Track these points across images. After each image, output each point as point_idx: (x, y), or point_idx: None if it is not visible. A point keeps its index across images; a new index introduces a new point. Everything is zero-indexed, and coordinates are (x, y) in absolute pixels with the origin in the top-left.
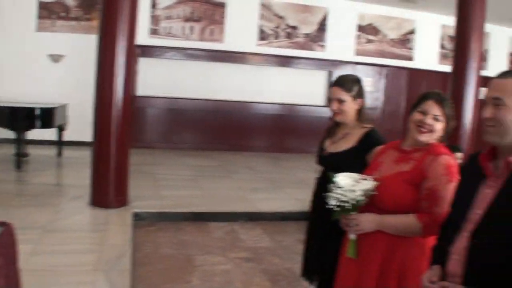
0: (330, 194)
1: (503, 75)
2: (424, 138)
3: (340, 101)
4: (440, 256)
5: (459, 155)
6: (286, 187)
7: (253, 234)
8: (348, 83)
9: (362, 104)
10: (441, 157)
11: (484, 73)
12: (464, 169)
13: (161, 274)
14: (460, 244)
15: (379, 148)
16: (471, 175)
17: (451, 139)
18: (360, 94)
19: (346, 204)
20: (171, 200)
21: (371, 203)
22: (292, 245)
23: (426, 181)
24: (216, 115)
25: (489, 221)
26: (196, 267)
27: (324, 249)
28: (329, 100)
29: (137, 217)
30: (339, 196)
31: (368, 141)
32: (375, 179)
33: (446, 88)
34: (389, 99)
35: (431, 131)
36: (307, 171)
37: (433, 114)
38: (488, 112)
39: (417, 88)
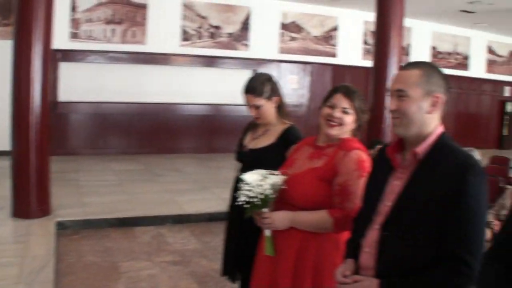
0: (239, 191)
1: (406, 66)
2: (334, 131)
3: (256, 107)
4: (353, 250)
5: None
6: (213, 187)
7: (180, 236)
8: (258, 87)
9: (279, 101)
10: (352, 152)
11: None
12: (375, 162)
13: (85, 283)
14: (371, 237)
15: (299, 143)
16: (381, 167)
17: (374, 133)
18: (274, 93)
19: (255, 200)
20: (95, 206)
21: (284, 201)
22: (219, 245)
23: (337, 177)
24: (142, 118)
25: (398, 212)
26: (121, 273)
27: (242, 247)
28: (248, 106)
29: (61, 226)
30: (247, 192)
31: (287, 138)
32: (286, 175)
33: (366, 84)
34: (314, 96)
35: (340, 124)
36: (234, 170)
37: (342, 107)
38: (393, 104)
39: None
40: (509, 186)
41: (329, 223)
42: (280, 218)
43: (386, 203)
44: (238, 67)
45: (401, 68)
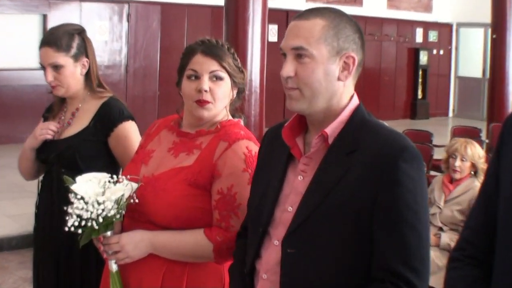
0: (68, 209)
1: (304, 15)
2: (207, 113)
3: (56, 67)
4: (242, 280)
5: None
6: None
7: None
8: (62, 39)
9: (90, 64)
10: (237, 144)
11: (272, 4)
12: (262, 148)
13: None
14: (270, 258)
15: (150, 126)
16: (274, 157)
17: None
18: (83, 51)
19: (94, 224)
20: None
21: (142, 217)
22: (16, 287)
23: (218, 181)
24: None
25: (305, 221)
26: None
27: None
28: (42, 68)
29: None
30: (80, 212)
31: (105, 116)
32: (140, 179)
33: (219, 29)
34: (136, 51)
35: (215, 100)
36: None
37: (209, 72)
38: (288, 69)
39: (177, 31)
40: (435, 173)
41: (207, 249)
42: (134, 242)
43: (287, 208)
44: (18, 12)
45: (297, 17)
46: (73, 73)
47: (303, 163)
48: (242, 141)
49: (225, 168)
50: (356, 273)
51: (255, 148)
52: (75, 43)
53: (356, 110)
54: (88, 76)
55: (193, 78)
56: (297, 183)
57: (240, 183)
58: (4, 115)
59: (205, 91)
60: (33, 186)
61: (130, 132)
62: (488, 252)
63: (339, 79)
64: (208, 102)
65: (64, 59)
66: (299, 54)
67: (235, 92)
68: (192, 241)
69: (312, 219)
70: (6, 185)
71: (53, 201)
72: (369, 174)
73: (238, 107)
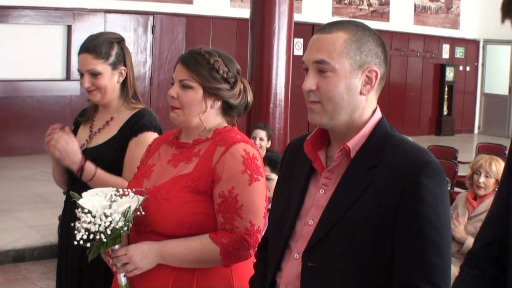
0: (77, 223)
1: (326, 28)
2: (175, 116)
3: (94, 74)
4: None
5: (263, 135)
6: (16, 210)
7: None
8: (102, 46)
9: (127, 73)
10: (234, 148)
11: (298, 17)
12: (285, 160)
13: None
14: (290, 271)
15: (151, 142)
16: (296, 170)
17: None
18: (121, 60)
19: (102, 236)
20: None
21: (147, 228)
22: None
23: (218, 185)
24: None
25: (326, 234)
26: None
27: None
28: (80, 75)
29: None
30: (88, 225)
31: (134, 123)
32: (144, 191)
33: (244, 41)
34: (162, 63)
35: (183, 106)
36: (47, 180)
37: (179, 81)
38: (310, 83)
39: (201, 44)
40: (459, 190)
41: (214, 253)
42: (142, 253)
43: (308, 222)
44: (43, 22)
45: (320, 30)
46: (110, 80)
47: (324, 177)
48: (239, 144)
49: (224, 171)
50: (376, 287)
51: (252, 150)
52: (114, 51)
53: (379, 124)
54: (124, 85)
55: (172, 83)
56: (318, 197)
57: (241, 185)
58: (28, 126)
59: (172, 97)
60: (56, 197)
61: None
62: (496, 265)
63: (361, 93)
64: (174, 107)
65: (102, 66)
66: (321, 68)
67: (217, 102)
68: (198, 246)
69: (333, 233)
70: (29, 196)
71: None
72: (391, 189)
73: (235, 118)
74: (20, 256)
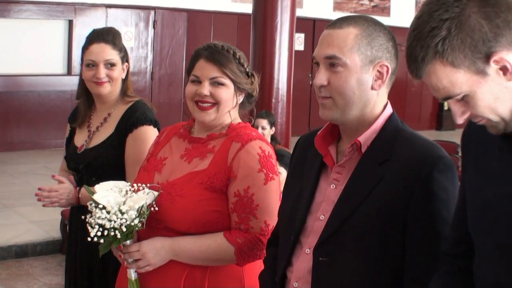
0: (89, 219)
1: (337, 23)
2: (209, 116)
3: (111, 65)
4: (272, 287)
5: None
6: (18, 206)
7: None
8: (117, 38)
9: (128, 70)
10: (250, 145)
11: (299, 13)
12: (295, 155)
13: None
14: (302, 266)
15: (159, 133)
16: (307, 164)
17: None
18: (126, 55)
19: (116, 233)
20: None
21: (159, 224)
22: None
23: (233, 183)
24: None
25: (337, 229)
26: None
27: None
28: (88, 65)
29: None
30: (102, 221)
31: (128, 118)
32: (160, 187)
33: (246, 36)
34: (163, 58)
35: (215, 103)
36: (49, 175)
37: (210, 79)
38: (321, 78)
39: (203, 39)
40: None
41: (229, 252)
42: (155, 250)
43: (319, 217)
44: (44, 17)
45: (330, 25)
46: (120, 73)
47: (335, 172)
48: (255, 141)
49: (239, 169)
50: (388, 282)
51: (268, 148)
52: (123, 46)
53: (390, 119)
54: (124, 81)
55: (196, 82)
56: (329, 192)
57: (256, 184)
58: (29, 121)
59: (205, 95)
60: None
61: (149, 137)
62: (466, 259)
63: (372, 88)
64: (205, 108)
65: (117, 58)
66: (332, 63)
67: (241, 97)
68: (213, 245)
69: (344, 228)
70: (31, 191)
71: (85, 208)
72: (402, 184)
73: (248, 111)
74: (22, 252)
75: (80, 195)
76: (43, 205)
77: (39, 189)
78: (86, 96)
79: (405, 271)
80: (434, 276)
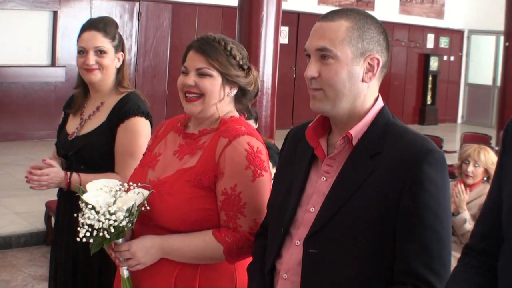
0: (80, 219)
1: (328, 16)
2: (194, 108)
3: (101, 52)
4: (261, 279)
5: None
6: (1, 197)
7: None
8: (110, 27)
9: (124, 60)
10: (238, 141)
11: (284, 6)
12: (285, 148)
13: None
14: (291, 258)
15: (158, 127)
16: (297, 157)
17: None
18: (121, 45)
19: (105, 233)
20: None
21: (150, 221)
22: (25, 284)
23: (220, 181)
24: None
25: (327, 221)
26: None
27: None
28: (79, 52)
29: None
30: (91, 222)
31: (120, 108)
32: (150, 187)
33: (230, 29)
34: (147, 50)
35: (201, 94)
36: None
37: (196, 69)
38: (312, 70)
39: (187, 31)
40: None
41: (217, 251)
42: (145, 249)
43: (309, 209)
44: (28, 8)
45: (322, 18)
46: (112, 62)
47: (326, 164)
48: (242, 137)
49: (226, 166)
50: (378, 274)
51: (257, 143)
52: (117, 35)
53: (381, 112)
54: (119, 71)
55: (185, 74)
56: (320, 184)
57: (244, 182)
58: (13, 112)
59: (190, 85)
60: None
61: (140, 128)
62: (492, 257)
63: (363, 80)
64: (191, 99)
65: (109, 46)
66: (323, 55)
67: (233, 90)
68: (202, 244)
69: (335, 221)
70: (15, 182)
71: (72, 199)
72: (392, 177)
73: (246, 106)
74: (6, 243)
75: (71, 180)
76: (31, 187)
77: (30, 172)
78: (83, 85)
79: (394, 263)
80: (454, 268)
